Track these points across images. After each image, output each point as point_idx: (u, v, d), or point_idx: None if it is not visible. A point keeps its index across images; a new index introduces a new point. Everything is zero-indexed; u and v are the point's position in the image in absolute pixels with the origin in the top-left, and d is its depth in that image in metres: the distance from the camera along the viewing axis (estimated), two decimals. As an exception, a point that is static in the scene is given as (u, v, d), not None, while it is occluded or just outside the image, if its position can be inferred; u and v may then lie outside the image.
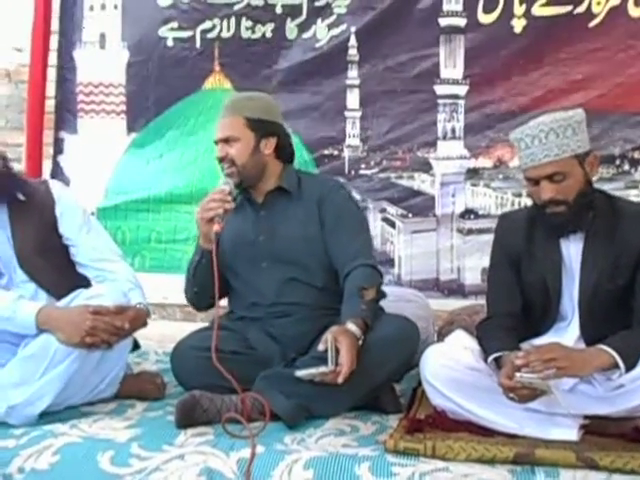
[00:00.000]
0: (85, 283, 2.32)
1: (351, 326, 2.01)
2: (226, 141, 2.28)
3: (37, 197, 2.30)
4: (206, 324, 2.52)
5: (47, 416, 2.04)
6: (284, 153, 2.38)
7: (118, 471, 1.74)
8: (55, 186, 2.38)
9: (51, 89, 4.02)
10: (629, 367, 1.83)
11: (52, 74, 4.03)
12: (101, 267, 2.31)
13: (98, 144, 4.00)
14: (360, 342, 2.00)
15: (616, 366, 1.82)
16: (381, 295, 2.22)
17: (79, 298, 2.16)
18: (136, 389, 2.29)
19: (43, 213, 2.29)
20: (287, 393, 2.03)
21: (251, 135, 2.30)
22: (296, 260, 2.27)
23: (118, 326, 2.08)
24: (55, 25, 4.00)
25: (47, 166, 3.98)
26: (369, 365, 2.03)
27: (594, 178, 2.06)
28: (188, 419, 1.99)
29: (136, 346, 2.44)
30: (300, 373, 1.96)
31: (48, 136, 4.00)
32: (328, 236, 2.28)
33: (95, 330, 2.04)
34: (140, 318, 2.20)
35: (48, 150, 3.99)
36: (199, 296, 2.34)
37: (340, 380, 1.91)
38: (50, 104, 4.00)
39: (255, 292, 2.30)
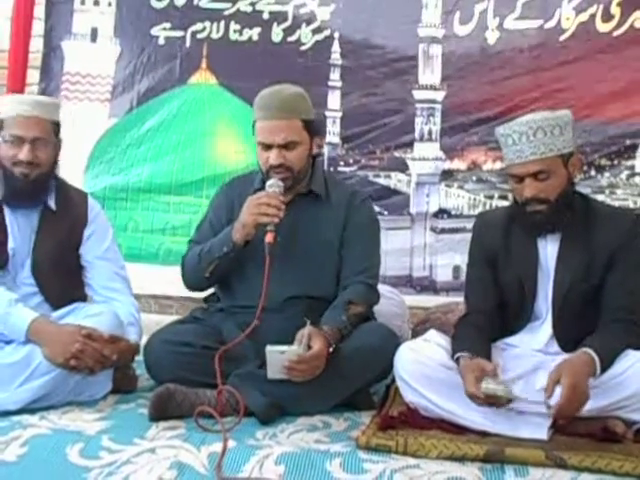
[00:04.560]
0: (85, 298, 2.33)
1: (326, 330, 2.03)
2: (284, 146, 2.17)
3: (71, 210, 2.31)
4: (180, 316, 2.50)
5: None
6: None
7: (87, 463, 1.71)
8: (93, 206, 2.38)
9: (33, 75, 4.00)
10: (603, 371, 1.85)
11: (36, 60, 4.01)
12: (108, 295, 2.32)
13: (77, 128, 3.99)
14: (331, 349, 2.02)
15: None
16: (369, 313, 2.24)
17: (77, 314, 2.16)
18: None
19: (72, 229, 2.30)
20: (263, 391, 2.03)
21: (307, 137, 2.22)
22: (310, 268, 2.23)
23: (106, 355, 2.05)
24: (40, 11, 4.01)
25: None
26: (347, 372, 2.05)
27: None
28: (162, 412, 1.97)
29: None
30: (271, 348, 1.97)
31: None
32: (346, 244, 2.26)
33: (82, 354, 2.01)
34: (129, 352, 2.19)
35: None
36: (207, 280, 2.27)
37: (296, 360, 1.93)
38: (31, 90, 3.97)
39: (258, 296, 2.10)
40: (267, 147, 2.19)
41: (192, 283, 2.34)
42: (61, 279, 2.26)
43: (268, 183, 2.18)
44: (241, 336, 2.07)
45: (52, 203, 2.28)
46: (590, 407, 1.84)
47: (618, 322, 1.97)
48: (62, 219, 2.28)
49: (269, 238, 2.09)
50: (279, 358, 1.96)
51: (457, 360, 1.95)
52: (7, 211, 2.23)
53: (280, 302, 2.20)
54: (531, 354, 2.07)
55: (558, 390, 1.77)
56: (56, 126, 2.29)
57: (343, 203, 2.30)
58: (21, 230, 2.24)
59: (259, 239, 2.13)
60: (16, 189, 2.21)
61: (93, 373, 2.06)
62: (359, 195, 2.40)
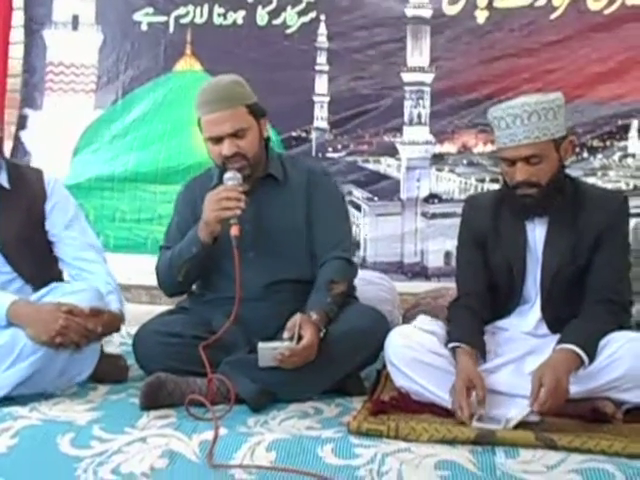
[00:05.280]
0: (63, 277, 2.30)
1: (315, 317, 2.03)
2: (234, 135, 2.15)
3: (27, 186, 2.28)
4: (170, 307, 2.50)
5: (6, 399, 1.99)
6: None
7: (78, 453, 1.71)
8: (50, 180, 2.35)
9: (16, 67, 3.98)
10: (592, 359, 1.86)
11: (18, 51, 3.98)
12: (81, 266, 2.29)
13: (63, 120, 3.99)
14: (322, 334, 2.02)
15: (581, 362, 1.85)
16: (351, 289, 2.23)
17: (55, 292, 2.14)
18: (99, 371, 2.25)
19: (32, 206, 2.27)
20: (253, 378, 2.03)
21: (254, 122, 2.20)
22: (284, 251, 2.22)
23: (90, 329, 2.05)
24: (19, 1, 3.98)
25: (8, 144, 3.91)
26: (337, 355, 2.05)
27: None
28: (153, 401, 1.97)
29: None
30: (263, 345, 1.97)
31: (11, 115, 3.93)
32: (314, 221, 2.25)
33: (66, 330, 2.00)
34: (114, 323, 2.18)
35: (10, 129, 3.92)
36: (181, 285, 2.28)
37: (288, 354, 1.93)
38: (14, 82, 3.94)
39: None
40: (217, 140, 2.17)
41: (168, 289, 2.34)
42: (34, 257, 2.24)
43: (226, 176, 2.16)
44: (226, 324, 2.06)
45: (5, 182, 2.25)
46: (580, 389, 1.86)
47: (601, 303, 1.97)
48: (19, 197, 2.25)
49: (234, 231, 2.08)
50: (271, 353, 1.97)
51: (452, 349, 1.96)
52: None
53: (260, 290, 2.20)
54: (521, 337, 2.08)
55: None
56: None
57: (303, 182, 2.29)
58: None
59: (228, 233, 2.11)
60: None
61: (79, 348, 2.05)
62: (318, 170, 2.38)
